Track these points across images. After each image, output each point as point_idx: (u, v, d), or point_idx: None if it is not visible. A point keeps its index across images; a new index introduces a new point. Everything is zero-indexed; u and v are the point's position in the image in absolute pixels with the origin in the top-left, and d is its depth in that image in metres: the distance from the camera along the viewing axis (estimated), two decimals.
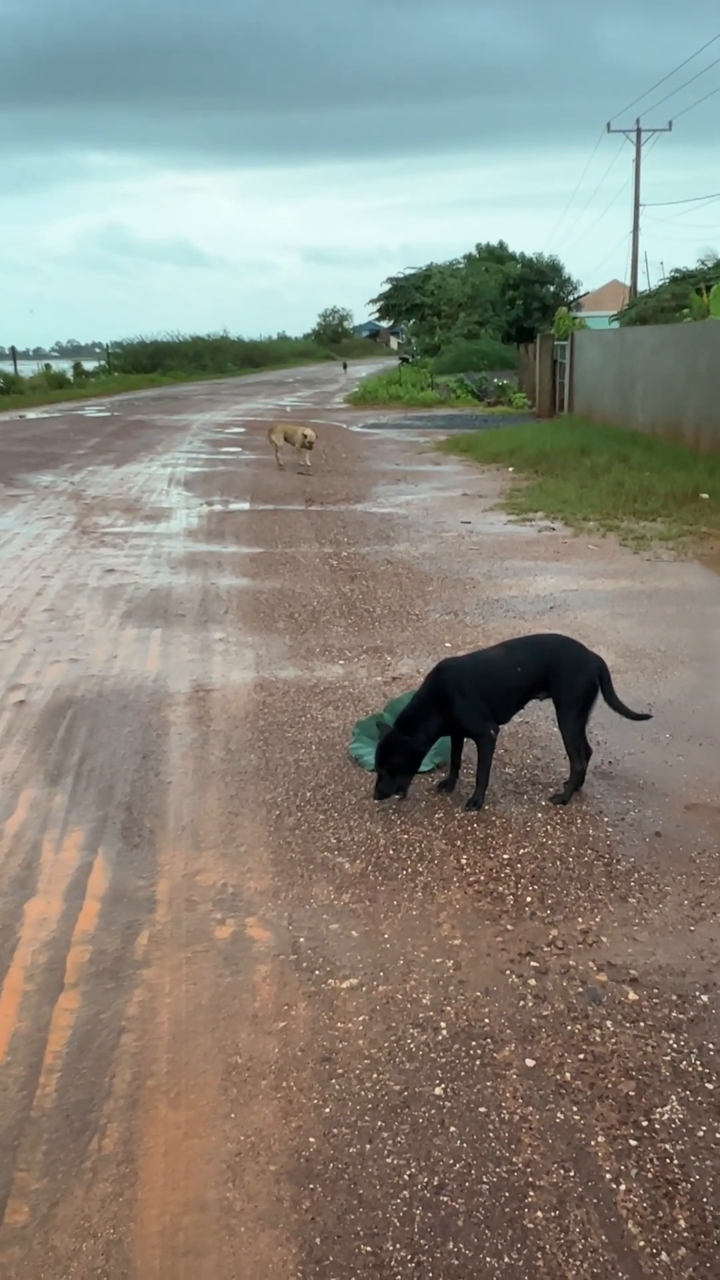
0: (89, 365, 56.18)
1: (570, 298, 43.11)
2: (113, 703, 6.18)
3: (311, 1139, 2.80)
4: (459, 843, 4.42)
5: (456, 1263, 2.42)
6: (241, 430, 24.45)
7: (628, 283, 37.73)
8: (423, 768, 5.12)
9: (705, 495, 12.61)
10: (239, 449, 20.50)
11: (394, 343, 75.54)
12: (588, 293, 47.78)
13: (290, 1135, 2.82)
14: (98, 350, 62.86)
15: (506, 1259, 2.42)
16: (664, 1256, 2.42)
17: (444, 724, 4.63)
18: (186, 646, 7.27)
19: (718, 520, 11.31)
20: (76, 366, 51.17)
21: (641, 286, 35.20)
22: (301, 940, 3.72)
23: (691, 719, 5.78)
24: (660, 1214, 2.54)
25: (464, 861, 4.26)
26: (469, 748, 4.91)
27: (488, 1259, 2.42)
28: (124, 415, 29.87)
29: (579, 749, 4.76)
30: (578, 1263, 2.41)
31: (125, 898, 4.05)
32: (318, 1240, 2.49)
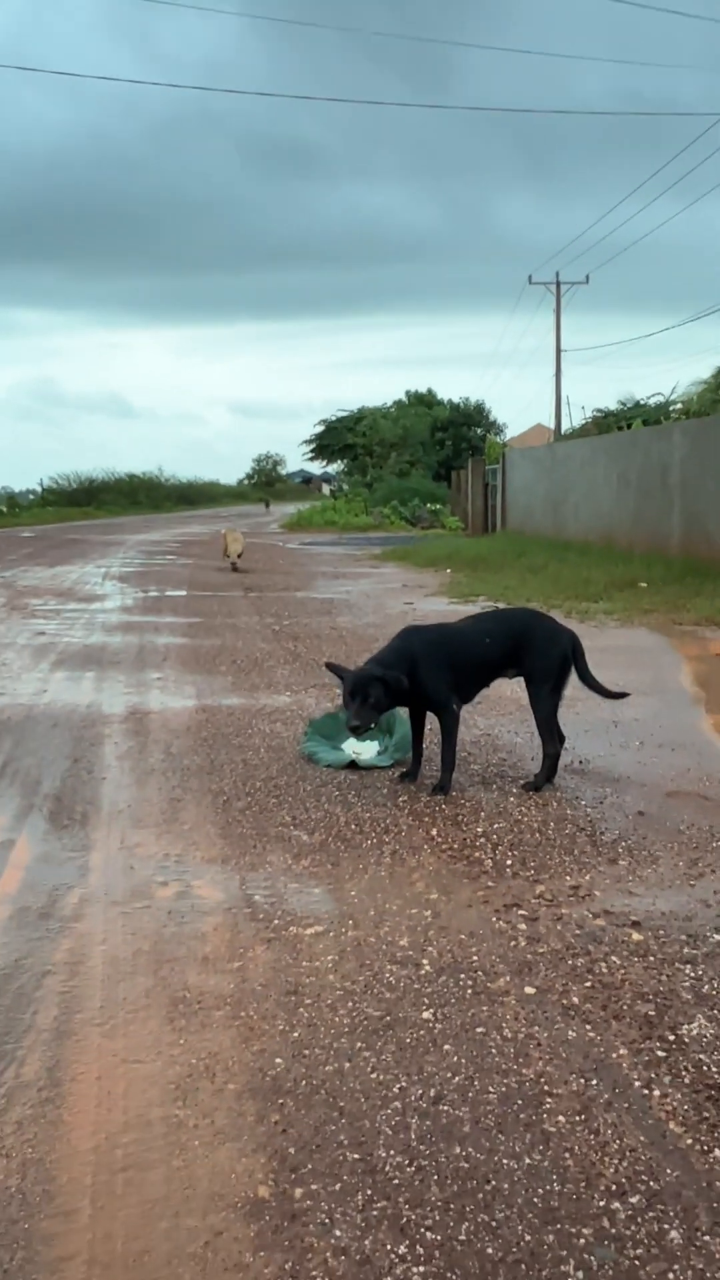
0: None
1: (498, 438, 44.71)
2: (41, 722, 5.69)
3: (278, 1060, 2.31)
4: (427, 819, 4.01)
5: (466, 1165, 1.94)
6: (177, 545, 24.35)
7: (551, 425, 39.28)
8: (383, 763, 4.74)
9: (644, 584, 12.67)
10: (175, 556, 20.33)
11: (326, 489, 77.29)
12: (514, 436, 49.69)
13: (252, 1058, 2.33)
14: (32, 496, 63.03)
15: (528, 1159, 1.95)
16: (718, 1153, 1.98)
17: (408, 687, 4.25)
18: (122, 684, 6.83)
19: (659, 601, 11.29)
20: (10, 500, 51.20)
21: (565, 428, 36.65)
22: (257, 897, 3.26)
23: (659, 732, 5.49)
24: (706, 1115, 2.10)
25: (434, 833, 3.85)
26: (430, 740, 4.55)
27: (505, 1160, 1.95)
28: (58, 535, 29.66)
29: (552, 730, 4.42)
30: (616, 1161, 1.95)
31: (53, 863, 3.55)
32: (291, 1150, 1.99)
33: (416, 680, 4.23)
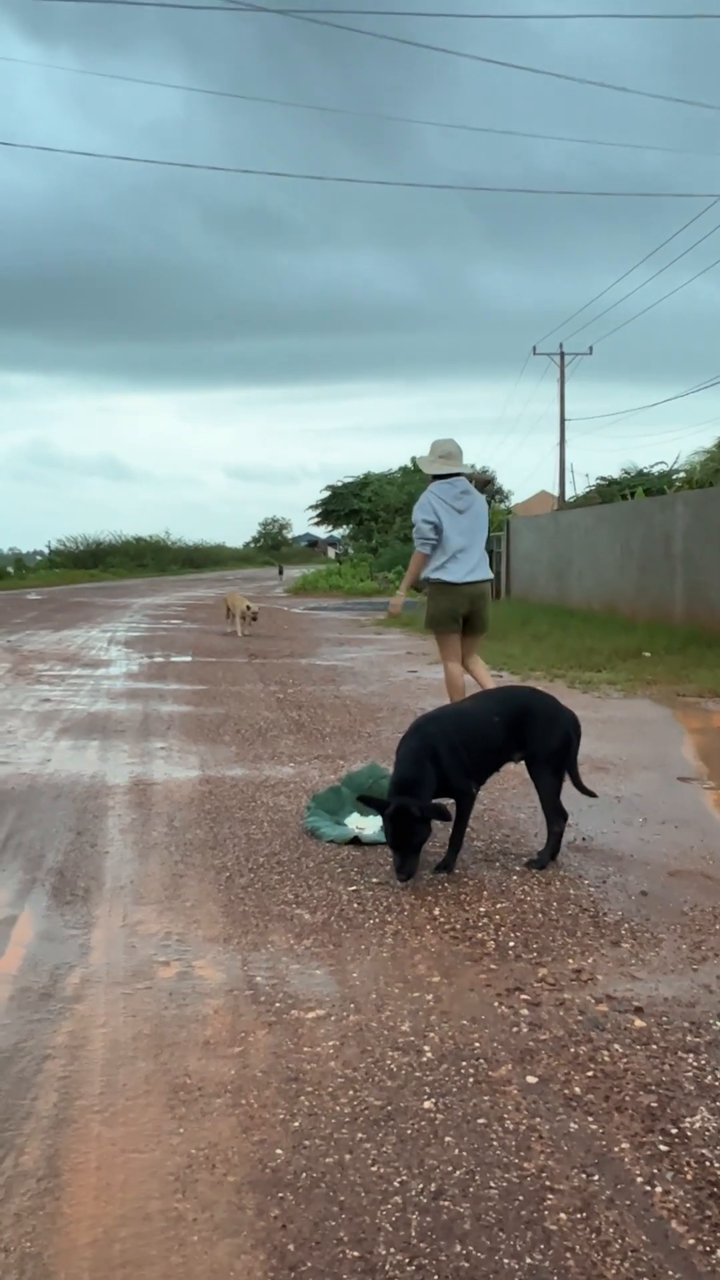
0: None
1: (503, 505, 45.24)
2: (45, 793, 5.71)
3: (279, 1151, 2.30)
4: (429, 898, 4.00)
5: (467, 1264, 1.92)
6: (183, 609, 24.50)
7: (555, 492, 39.67)
8: (384, 839, 4.73)
9: (647, 654, 12.71)
10: (180, 620, 20.45)
11: (331, 553, 77.81)
12: (519, 503, 50.21)
13: (252, 1149, 2.31)
14: (39, 557, 63.63)
15: (529, 1259, 1.94)
16: None
17: (438, 780, 4.24)
18: (126, 753, 6.85)
19: (662, 671, 11.33)
20: (18, 562, 51.65)
21: (569, 495, 37.01)
22: (259, 979, 3.25)
23: (662, 808, 5.49)
24: (709, 1214, 2.08)
25: (437, 913, 3.84)
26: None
27: (505, 1260, 1.93)
28: (64, 598, 29.88)
29: (557, 808, 4.43)
30: (617, 1261, 1.93)
31: (55, 941, 3.54)
32: (291, 1247, 1.98)
33: (440, 771, 4.22)
